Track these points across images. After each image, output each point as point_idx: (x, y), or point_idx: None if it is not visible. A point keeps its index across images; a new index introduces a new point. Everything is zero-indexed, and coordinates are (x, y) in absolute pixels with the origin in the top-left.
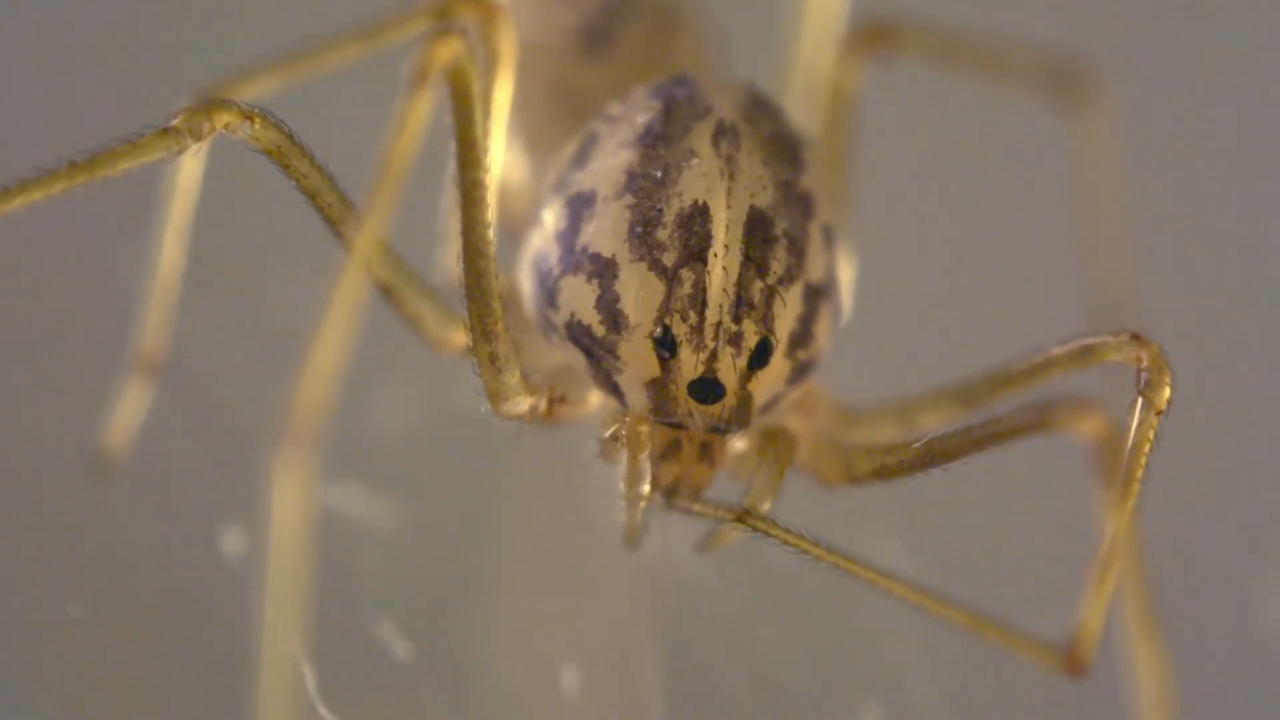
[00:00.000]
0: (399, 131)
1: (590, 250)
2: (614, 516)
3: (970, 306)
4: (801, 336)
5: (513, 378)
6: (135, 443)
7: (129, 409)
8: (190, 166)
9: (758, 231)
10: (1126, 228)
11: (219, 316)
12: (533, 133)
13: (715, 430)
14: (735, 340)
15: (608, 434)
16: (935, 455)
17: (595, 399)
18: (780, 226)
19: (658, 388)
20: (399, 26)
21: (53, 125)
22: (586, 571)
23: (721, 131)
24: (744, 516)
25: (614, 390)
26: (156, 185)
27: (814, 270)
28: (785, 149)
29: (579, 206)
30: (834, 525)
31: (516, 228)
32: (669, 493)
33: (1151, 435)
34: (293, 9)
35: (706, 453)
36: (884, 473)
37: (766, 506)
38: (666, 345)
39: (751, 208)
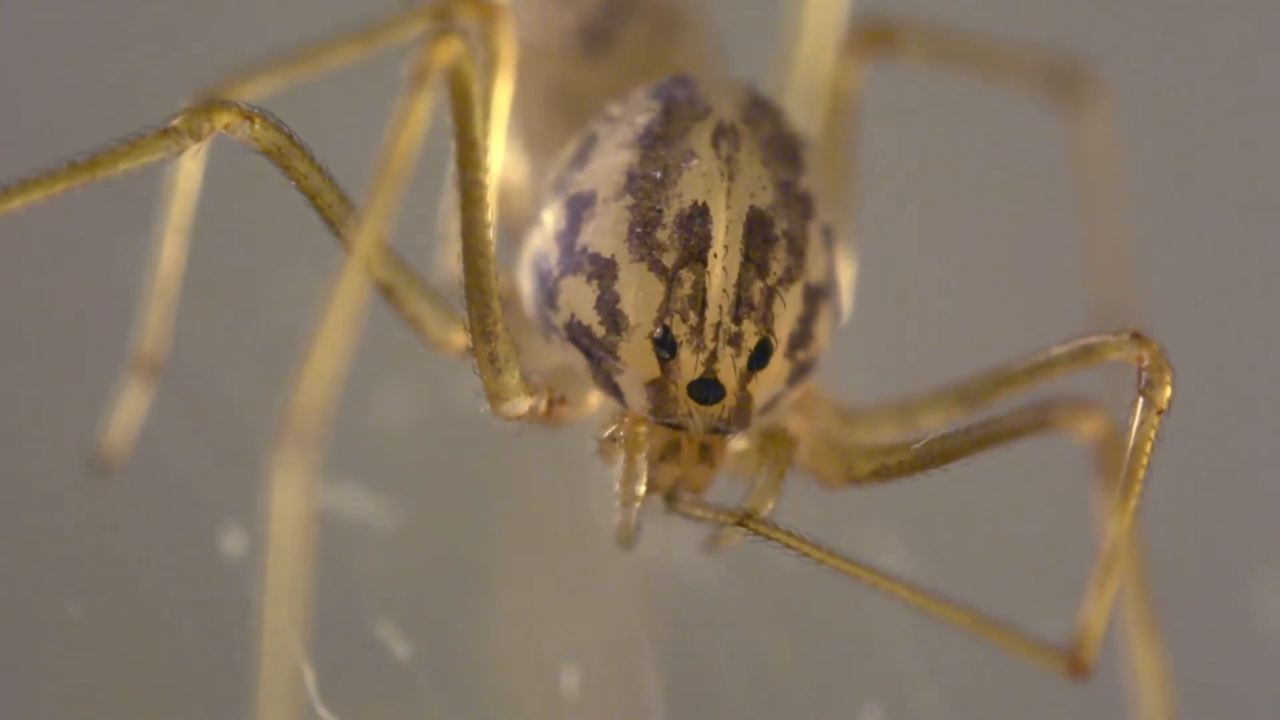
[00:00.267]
0: (399, 132)
1: (590, 251)
2: (613, 516)
3: (970, 306)
4: (801, 337)
5: (512, 378)
6: (135, 443)
7: (129, 409)
8: (190, 167)
9: (757, 232)
10: (1126, 227)
11: (219, 316)
12: (533, 133)
13: (715, 431)
14: (735, 341)
15: (607, 434)
16: (935, 456)
17: (595, 399)
18: (780, 227)
19: (657, 388)
20: (399, 27)
21: (53, 125)
22: (586, 571)
23: (721, 132)
24: (745, 520)
25: (614, 391)
26: (156, 185)
27: (814, 271)
28: (785, 149)
29: (579, 207)
30: (834, 525)
31: (516, 228)
32: (669, 497)
33: (1153, 435)
34: (293, 9)
35: (706, 454)
36: (884, 473)
37: (768, 508)
38: (666, 346)
39: (751, 208)
